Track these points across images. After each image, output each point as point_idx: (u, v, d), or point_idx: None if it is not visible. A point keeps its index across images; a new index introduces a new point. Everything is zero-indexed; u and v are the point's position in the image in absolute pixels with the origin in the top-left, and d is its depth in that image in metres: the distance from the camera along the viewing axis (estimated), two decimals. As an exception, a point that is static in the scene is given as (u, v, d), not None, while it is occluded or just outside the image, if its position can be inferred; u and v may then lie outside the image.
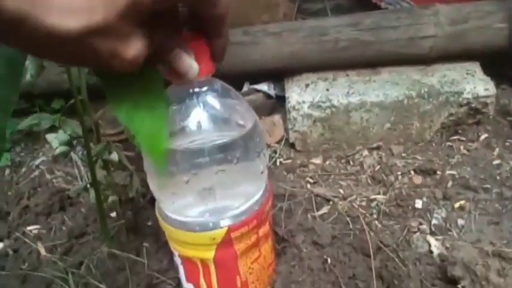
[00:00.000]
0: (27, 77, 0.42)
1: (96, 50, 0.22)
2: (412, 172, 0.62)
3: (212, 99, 0.38)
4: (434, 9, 0.67)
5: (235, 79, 0.77)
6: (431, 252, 0.48)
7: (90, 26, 0.21)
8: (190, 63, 0.31)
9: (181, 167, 0.37)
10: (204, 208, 0.39)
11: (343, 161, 0.67)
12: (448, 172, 0.61)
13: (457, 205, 0.55)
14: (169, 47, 0.29)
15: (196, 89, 0.38)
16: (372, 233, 0.51)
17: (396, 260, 0.45)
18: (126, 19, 0.22)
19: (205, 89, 0.38)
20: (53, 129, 0.50)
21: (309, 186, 0.62)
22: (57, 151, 0.44)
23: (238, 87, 0.76)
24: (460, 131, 0.68)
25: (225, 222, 0.39)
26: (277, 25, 0.70)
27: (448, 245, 0.49)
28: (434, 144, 0.67)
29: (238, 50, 0.70)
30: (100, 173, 0.53)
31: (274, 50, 0.69)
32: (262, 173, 0.42)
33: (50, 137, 0.44)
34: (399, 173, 0.62)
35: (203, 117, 0.38)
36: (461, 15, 0.67)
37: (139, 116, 0.32)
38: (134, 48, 0.24)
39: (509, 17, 0.66)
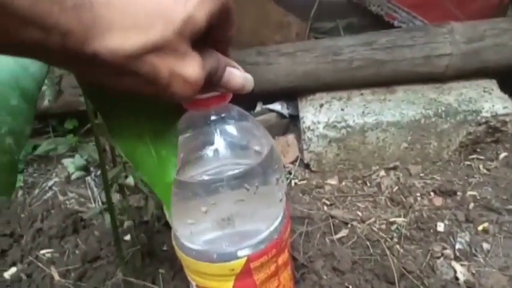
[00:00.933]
0: (45, 102, 0.42)
1: (156, 69, 0.21)
2: (432, 193, 0.60)
3: (229, 126, 0.38)
4: (449, 27, 0.66)
5: (249, 99, 0.76)
6: (456, 279, 0.46)
7: (149, 43, 0.20)
8: (244, 76, 0.30)
9: (199, 196, 0.36)
10: (222, 238, 0.38)
11: (359, 181, 0.65)
12: (468, 193, 0.59)
13: (480, 228, 0.53)
14: (222, 65, 0.29)
15: (213, 117, 0.37)
16: (394, 259, 0.49)
17: (421, 287, 0.44)
18: (183, 36, 0.22)
19: (222, 115, 0.37)
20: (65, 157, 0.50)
21: (325, 208, 0.61)
22: (74, 176, 0.44)
23: (252, 107, 0.76)
24: (478, 150, 0.67)
25: (244, 252, 0.38)
26: (290, 45, 0.70)
27: (474, 271, 0.47)
28: (452, 164, 0.66)
29: (252, 70, 0.69)
30: (115, 197, 0.52)
31: (287, 69, 0.69)
32: (280, 200, 0.41)
33: (66, 161, 0.44)
34: (418, 194, 0.60)
35: (220, 145, 0.37)
36: (476, 32, 0.66)
37: (143, 146, 0.31)
38: (192, 67, 0.23)
39: (526, 34, 0.65)
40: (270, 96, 0.75)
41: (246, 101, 0.75)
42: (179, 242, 0.40)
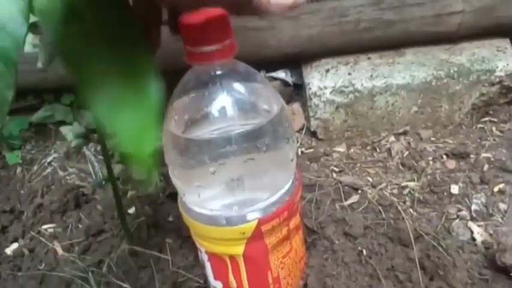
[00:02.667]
0: (39, 64, 0.39)
1: None
2: (444, 156, 0.58)
3: (236, 83, 0.35)
4: (461, -17, 0.63)
5: (252, 67, 0.73)
6: (473, 239, 0.45)
7: None
8: None
9: (207, 157, 0.34)
10: (232, 200, 0.36)
11: (368, 147, 0.63)
12: (482, 155, 0.57)
13: (496, 189, 0.51)
14: None
15: (219, 72, 0.35)
16: (408, 222, 0.48)
17: (439, 248, 0.42)
18: None
19: (228, 71, 0.35)
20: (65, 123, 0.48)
21: (334, 175, 0.59)
22: (73, 144, 0.42)
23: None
24: (491, 112, 0.65)
25: (255, 215, 0.36)
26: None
27: (491, 231, 0.45)
28: (464, 127, 0.64)
29: (254, 36, 0.66)
30: (116, 168, 0.50)
31: (291, 34, 0.66)
32: (292, 160, 0.38)
33: (64, 129, 0.41)
34: (430, 158, 0.58)
35: (227, 102, 0.35)
36: (490, -12, 0.63)
37: (122, 112, 0.28)
38: None
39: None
40: (273, 63, 0.72)
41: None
42: (186, 207, 0.38)
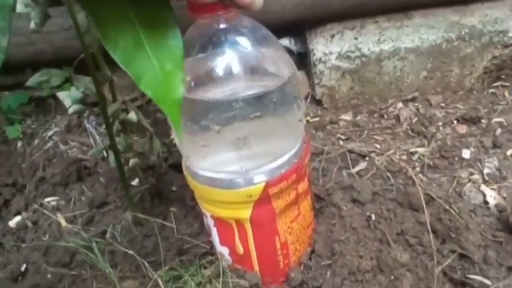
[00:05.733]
0: (32, 25, 0.37)
1: None
2: (455, 122, 0.57)
3: (243, 39, 0.34)
4: None
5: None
6: (486, 202, 0.44)
7: None
8: None
9: (212, 117, 0.33)
10: (239, 162, 0.35)
11: (376, 115, 0.62)
12: (494, 120, 0.56)
13: (509, 153, 0.50)
14: None
15: (223, 25, 0.33)
16: (418, 186, 0.46)
17: (452, 211, 0.41)
18: None
19: (233, 25, 0.33)
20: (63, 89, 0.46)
21: (341, 142, 0.57)
22: (71, 110, 0.40)
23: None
24: (502, 77, 0.62)
25: (262, 177, 0.35)
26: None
27: (504, 195, 0.44)
28: (475, 92, 0.62)
29: None
30: (118, 138, 0.49)
31: (295, -2, 0.63)
32: (300, 121, 0.37)
33: (61, 95, 0.40)
34: (440, 123, 0.57)
35: (234, 59, 0.33)
36: None
37: (142, 57, 0.27)
38: None
39: None
40: (276, 30, 0.70)
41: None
42: (191, 170, 0.37)
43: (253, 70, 0.34)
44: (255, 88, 0.33)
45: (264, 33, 0.36)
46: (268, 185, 0.35)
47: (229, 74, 0.33)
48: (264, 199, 0.36)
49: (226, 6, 0.32)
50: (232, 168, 0.35)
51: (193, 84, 0.34)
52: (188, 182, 0.38)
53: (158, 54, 0.27)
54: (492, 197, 0.44)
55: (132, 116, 0.46)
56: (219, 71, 0.33)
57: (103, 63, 0.43)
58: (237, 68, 0.33)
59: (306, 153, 0.38)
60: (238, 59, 0.33)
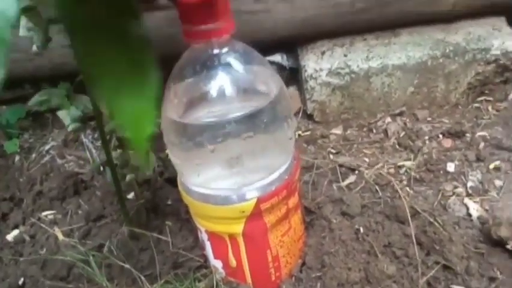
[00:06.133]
0: (34, 48, 0.39)
1: None
2: (440, 136, 0.59)
3: (234, 62, 0.35)
4: (456, -38, 0.63)
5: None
6: (469, 215, 0.46)
7: None
8: None
9: (206, 138, 0.34)
10: (231, 179, 0.37)
11: (365, 129, 0.64)
12: (478, 133, 0.58)
13: (491, 166, 0.52)
14: None
15: (216, 51, 0.35)
16: (405, 200, 0.48)
17: (436, 224, 0.43)
18: None
19: (226, 50, 0.35)
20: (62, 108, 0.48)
21: (331, 156, 0.59)
22: (70, 128, 0.42)
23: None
24: (486, 92, 0.65)
25: (254, 194, 0.37)
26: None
27: (487, 207, 0.46)
28: (460, 107, 0.64)
29: (249, 19, 0.66)
30: (114, 154, 0.50)
31: (287, 16, 0.65)
32: (290, 139, 0.39)
33: (61, 114, 0.41)
34: (426, 137, 0.59)
35: (226, 82, 0.35)
36: (485, -33, 0.63)
37: (122, 94, 0.28)
38: None
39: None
40: (268, 47, 0.72)
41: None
42: (186, 187, 0.39)
43: (244, 91, 0.36)
44: (246, 108, 0.35)
45: (254, 55, 0.38)
46: (259, 201, 0.37)
47: (222, 96, 0.35)
48: (255, 214, 0.37)
49: (219, 32, 0.33)
50: (225, 185, 0.37)
51: (187, 106, 0.36)
52: (183, 198, 0.40)
53: (133, 95, 0.29)
54: (475, 209, 0.46)
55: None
56: (213, 93, 0.35)
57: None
58: (229, 90, 0.35)
59: (296, 170, 0.40)
60: (230, 81, 0.35)
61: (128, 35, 0.29)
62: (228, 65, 0.35)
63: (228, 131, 0.34)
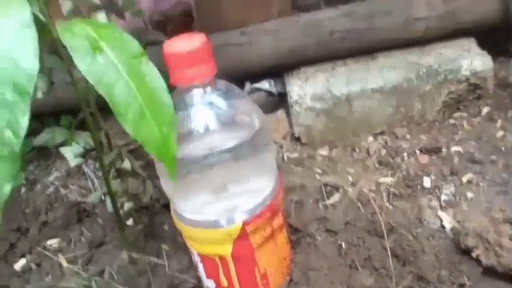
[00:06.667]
0: (39, 94, 0.43)
1: None
2: (418, 152, 0.63)
3: (217, 100, 0.40)
4: (425, -9, 0.68)
5: (236, 79, 0.78)
6: (443, 227, 0.49)
7: None
8: None
9: (193, 169, 0.38)
10: (218, 205, 0.40)
11: (349, 149, 0.68)
12: (453, 148, 0.62)
13: (464, 179, 0.56)
14: None
15: (200, 91, 0.39)
16: (383, 215, 0.52)
17: (410, 237, 0.46)
18: None
19: (209, 89, 0.39)
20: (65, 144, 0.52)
21: (318, 177, 0.63)
22: (73, 163, 0.46)
23: (240, 88, 0.77)
24: (461, 108, 0.69)
25: (240, 217, 0.40)
26: (272, 23, 0.71)
27: (459, 219, 0.49)
28: (437, 123, 0.68)
29: (237, 51, 0.71)
30: (114, 183, 0.54)
31: (272, 48, 0.70)
32: (271, 166, 0.43)
33: (64, 150, 0.46)
34: (405, 154, 0.63)
35: (210, 118, 0.39)
36: (451, -7, 0.68)
37: (146, 125, 0.34)
38: None
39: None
40: (256, 75, 0.77)
41: (234, 82, 0.77)
42: (177, 214, 0.42)
43: (227, 124, 0.40)
44: (230, 140, 0.39)
45: (236, 92, 0.42)
46: (245, 223, 0.40)
47: (207, 130, 0.39)
48: (242, 236, 0.41)
49: (201, 75, 0.38)
50: (213, 210, 0.40)
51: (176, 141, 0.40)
52: (175, 223, 0.43)
53: (156, 121, 0.34)
54: (448, 221, 0.49)
55: (126, 164, 0.52)
56: (198, 128, 0.39)
57: (100, 120, 0.49)
58: (213, 125, 0.39)
59: (279, 193, 0.44)
60: (214, 117, 0.39)
61: (144, 72, 0.35)
62: (211, 102, 0.39)
63: (213, 162, 0.38)
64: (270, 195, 0.42)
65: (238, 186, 0.40)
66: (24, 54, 0.31)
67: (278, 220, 0.44)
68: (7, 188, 0.30)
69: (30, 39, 0.32)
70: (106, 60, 0.34)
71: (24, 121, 0.31)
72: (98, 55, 0.33)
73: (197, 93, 0.39)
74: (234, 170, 0.39)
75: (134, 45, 0.36)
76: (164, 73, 0.36)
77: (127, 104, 0.33)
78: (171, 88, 0.40)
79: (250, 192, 0.41)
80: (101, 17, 0.41)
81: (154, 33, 0.77)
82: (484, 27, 0.69)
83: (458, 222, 0.49)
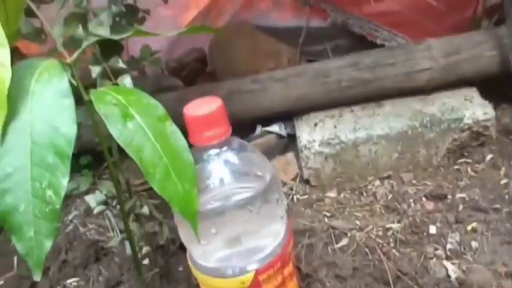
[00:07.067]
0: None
1: None
2: (424, 198, 0.65)
3: (232, 156, 0.43)
4: (427, 44, 0.72)
5: (249, 124, 0.82)
6: (448, 276, 0.51)
7: None
8: None
9: (209, 220, 0.41)
10: (232, 255, 0.43)
11: (356, 192, 0.70)
12: (458, 195, 0.64)
13: (469, 228, 0.58)
14: None
15: (216, 150, 0.42)
16: (390, 262, 0.54)
17: (416, 287, 0.48)
18: None
19: (224, 148, 0.43)
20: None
21: (326, 220, 0.65)
22: (96, 210, 0.49)
23: (252, 131, 0.81)
24: (465, 154, 0.71)
25: (252, 266, 0.43)
26: (282, 71, 0.75)
27: (464, 268, 0.51)
28: (442, 169, 0.70)
29: (249, 98, 0.75)
30: (132, 225, 0.57)
31: (282, 94, 0.75)
32: (282, 218, 0.46)
33: (88, 198, 0.49)
34: (411, 200, 0.65)
35: (225, 174, 0.42)
36: (453, 47, 0.72)
37: (171, 183, 0.37)
38: None
39: (498, 44, 0.70)
40: (268, 119, 0.81)
41: (247, 125, 0.81)
42: (193, 261, 0.45)
43: (241, 179, 0.43)
44: (244, 193, 0.42)
45: (248, 149, 0.46)
46: (257, 273, 0.43)
47: (222, 185, 0.42)
48: (255, 284, 0.43)
49: (217, 137, 0.41)
50: (227, 260, 0.43)
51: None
52: (191, 270, 0.46)
53: (180, 179, 0.38)
54: (453, 271, 0.51)
55: (145, 209, 0.55)
56: (215, 183, 0.42)
57: (121, 169, 0.53)
58: (228, 180, 0.42)
59: (289, 242, 0.46)
60: (228, 173, 0.43)
61: (168, 133, 0.38)
62: (226, 159, 0.43)
63: (228, 214, 0.41)
64: (280, 244, 0.45)
65: (252, 237, 0.43)
66: (63, 121, 0.35)
67: (289, 268, 0.47)
68: (48, 244, 0.33)
69: (68, 107, 0.36)
70: (135, 125, 0.37)
71: (64, 182, 0.34)
72: (129, 122, 0.37)
73: (213, 152, 0.42)
74: (248, 222, 0.42)
75: (159, 109, 0.40)
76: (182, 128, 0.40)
77: (154, 165, 0.37)
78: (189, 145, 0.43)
79: (262, 242, 0.44)
80: (127, 80, 0.46)
81: (170, 78, 0.82)
82: (484, 79, 0.72)
83: (464, 272, 0.51)
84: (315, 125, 0.74)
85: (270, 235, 0.44)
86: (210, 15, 0.80)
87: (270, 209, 0.44)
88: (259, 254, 0.43)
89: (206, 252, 0.43)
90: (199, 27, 0.74)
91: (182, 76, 0.86)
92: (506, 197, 0.62)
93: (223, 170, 0.42)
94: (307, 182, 0.74)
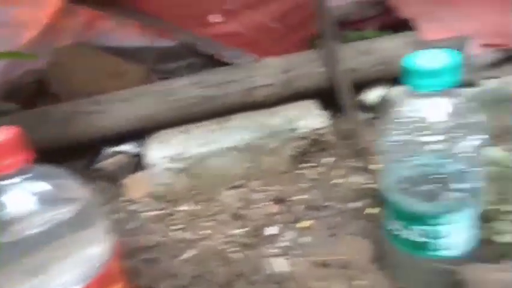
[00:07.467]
0: None
1: None
2: (268, 203, 0.69)
3: (33, 185, 0.40)
4: (266, 62, 0.79)
5: (98, 145, 0.78)
6: (278, 272, 0.54)
7: None
8: None
9: (9, 254, 0.37)
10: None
11: (208, 203, 0.71)
12: (298, 197, 0.69)
13: (305, 225, 0.62)
14: None
15: (12, 180, 0.39)
16: (230, 266, 0.56)
17: (249, 285, 0.50)
18: None
19: (23, 177, 0.39)
20: None
21: (176, 233, 0.65)
22: None
23: (99, 152, 0.78)
24: (306, 159, 0.78)
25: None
26: (127, 91, 0.75)
27: (291, 263, 0.55)
28: (286, 174, 0.76)
29: (91, 119, 0.72)
30: None
31: (127, 114, 0.74)
32: (99, 238, 0.43)
33: None
34: (257, 205, 0.68)
35: (23, 204, 0.39)
36: (289, 64, 0.80)
37: None
38: None
39: (325, 62, 0.80)
40: (117, 139, 0.78)
41: (92, 148, 0.77)
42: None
43: (46, 206, 0.40)
44: (48, 223, 0.39)
45: (58, 175, 0.43)
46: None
47: (22, 216, 0.39)
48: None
49: (11, 166, 0.38)
50: None
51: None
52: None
53: None
54: (281, 266, 0.54)
55: None
56: (13, 215, 0.39)
57: None
58: (28, 209, 0.39)
59: (114, 262, 0.44)
60: (28, 202, 0.39)
61: None
62: (26, 188, 0.40)
63: (28, 245, 0.38)
64: (100, 266, 0.42)
65: (63, 264, 0.40)
66: None
67: (117, 287, 0.45)
68: None
69: None
70: None
71: None
72: None
73: (9, 182, 0.39)
74: (54, 250, 0.39)
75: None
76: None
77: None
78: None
79: (76, 266, 0.41)
80: None
81: (2, 104, 0.75)
82: (317, 93, 0.81)
83: (292, 266, 0.54)
84: (165, 141, 0.74)
85: (85, 260, 0.42)
86: (50, 35, 0.76)
87: (85, 234, 0.41)
88: (75, 277, 0.40)
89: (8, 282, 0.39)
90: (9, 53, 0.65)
91: (21, 99, 0.80)
92: (340, 194, 0.68)
93: (21, 200, 0.39)
94: (160, 198, 0.73)
